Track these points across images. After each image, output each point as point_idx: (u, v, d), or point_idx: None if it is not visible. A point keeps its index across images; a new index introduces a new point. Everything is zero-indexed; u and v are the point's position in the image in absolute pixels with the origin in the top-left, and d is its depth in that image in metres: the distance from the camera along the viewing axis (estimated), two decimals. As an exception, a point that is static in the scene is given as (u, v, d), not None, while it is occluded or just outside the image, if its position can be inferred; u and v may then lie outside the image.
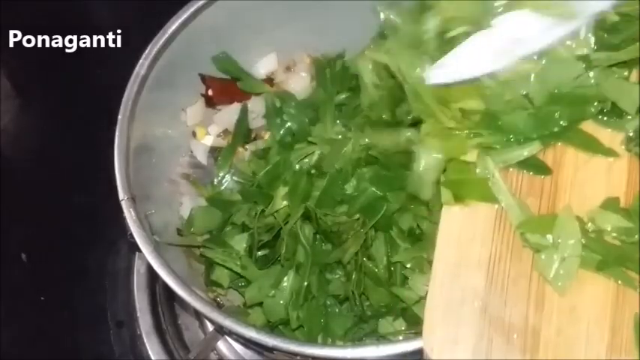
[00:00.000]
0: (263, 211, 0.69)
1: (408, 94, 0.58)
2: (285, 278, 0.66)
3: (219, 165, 0.77)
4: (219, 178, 0.77)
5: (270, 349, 0.60)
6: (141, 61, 0.71)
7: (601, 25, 0.56)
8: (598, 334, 0.51)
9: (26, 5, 1.10)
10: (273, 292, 0.66)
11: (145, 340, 0.85)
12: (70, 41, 1.08)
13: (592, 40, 0.56)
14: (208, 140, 0.80)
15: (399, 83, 0.59)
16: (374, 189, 0.64)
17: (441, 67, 0.57)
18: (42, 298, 0.91)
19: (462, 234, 0.56)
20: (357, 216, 0.65)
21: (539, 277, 0.53)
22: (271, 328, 0.68)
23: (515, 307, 0.53)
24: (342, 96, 0.74)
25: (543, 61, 0.56)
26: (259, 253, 0.70)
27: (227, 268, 0.70)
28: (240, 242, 0.71)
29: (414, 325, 0.64)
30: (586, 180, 0.56)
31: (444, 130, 0.57)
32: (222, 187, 0.77)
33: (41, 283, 0.92)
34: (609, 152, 0.56)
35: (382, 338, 0.66)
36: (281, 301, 0.66)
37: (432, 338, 0.53)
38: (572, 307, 0.52)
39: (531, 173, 0.57)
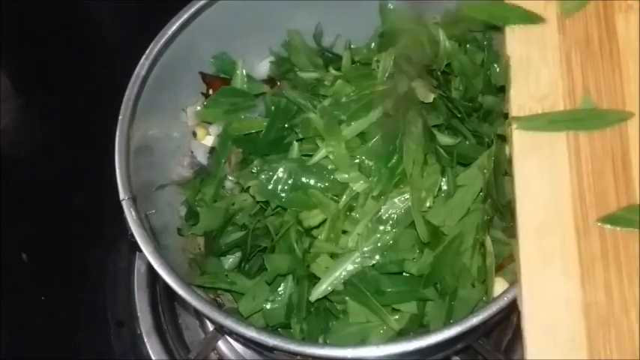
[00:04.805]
0: (264, 210, 0.69)
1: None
2: (282, 286, 0.66)
3: (214, 165, 0.77)
4: (217, 178, 0.77)
5: (270, 349, 0.60)
6: (141, 61, 0.71)
7: None
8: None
9: (26, 6, 1.10)
10: (269, 302, 0.66)
11: (145, 340, 0.85)
12: (71, 41, 1.08)
13: None
14: (209, 141, 0.79)
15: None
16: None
17: None
18: (42, 298, 0.91)
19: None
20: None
21: None
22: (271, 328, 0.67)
23: None
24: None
25: None
26: (252, 259, 0.70)
27: (216, 289, 0.70)
28: (230, 261, 0.71)
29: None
30: None
31: None
32: (223, 187, 0.77)
33: (41, 283, 0.92)
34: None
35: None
36: (277, 305, 0.66)
37: None
38: None
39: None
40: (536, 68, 0.59)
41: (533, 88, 0.58)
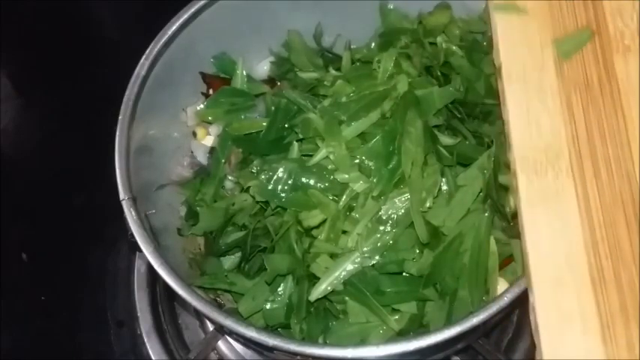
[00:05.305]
0: (264, 210, 0.69)
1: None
2: (282, 286, 0.66)
3: (214, 165, 0.77)
4: (217, 178, 0.77)
5: (270, 349, 0.60)
6: (141, 61, 0.71)
7: None
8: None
9: (26, 6, 1.10)
10: (269, 302, 0.66)
11: (146, 340, 0.85)
12: (71, 41, 1.08)
13: None
14: (209, 141, 0.79)
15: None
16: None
17: None
18: (42, 298, 0.91)
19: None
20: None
21: None
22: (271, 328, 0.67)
23: None
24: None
25: None
26: (252, 259, 0.70)
27: (215, 289, 0.70)
28: (230, 262, 0.72)
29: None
30: None
31: None
32: (223, 187, 0.77)
33: (41, 283, 0.92)
34: None
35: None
36: (276, 305, 0.66)
37: None
38: None
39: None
40: (536, 116, 0.57)
41: (535, 137, 0.56)
